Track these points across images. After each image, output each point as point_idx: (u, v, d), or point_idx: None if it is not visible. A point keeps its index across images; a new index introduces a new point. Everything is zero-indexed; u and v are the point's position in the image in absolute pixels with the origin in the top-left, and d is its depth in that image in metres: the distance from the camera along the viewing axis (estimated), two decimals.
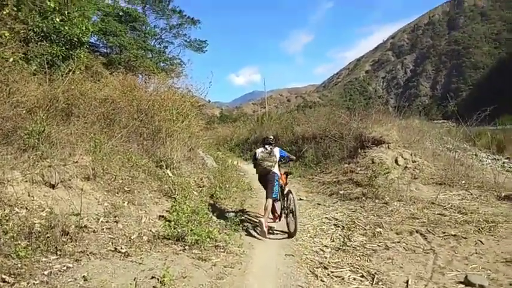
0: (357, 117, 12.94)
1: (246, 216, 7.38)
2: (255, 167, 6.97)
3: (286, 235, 6.21)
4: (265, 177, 6.65)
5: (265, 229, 6.10)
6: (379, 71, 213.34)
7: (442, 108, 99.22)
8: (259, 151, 6.85)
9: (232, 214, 7.12)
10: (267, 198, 6.42)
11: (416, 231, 5.81)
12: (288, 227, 6.33)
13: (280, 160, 6.88)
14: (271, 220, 6.89)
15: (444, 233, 5.62)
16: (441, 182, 8.75)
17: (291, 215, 6.26)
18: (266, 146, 6.87)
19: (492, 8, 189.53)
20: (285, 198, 6.58)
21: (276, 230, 6.52)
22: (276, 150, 6.82)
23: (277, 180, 6.52)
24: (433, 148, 12.03)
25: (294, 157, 7.62)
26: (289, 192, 6.46)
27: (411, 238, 5.59)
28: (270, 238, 6.09)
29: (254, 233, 6.27)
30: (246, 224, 6.80)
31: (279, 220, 6.78)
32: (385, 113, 13.75)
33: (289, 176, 7.50)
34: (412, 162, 9.85)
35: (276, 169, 6.63)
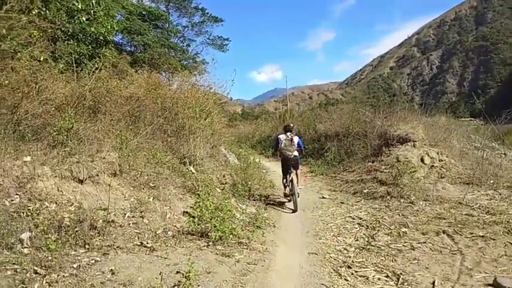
0: (381, 114, 12.70)
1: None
2: (275, 151, 8.55)
3: (291, 210, 7.84)
4: (289, 162, 8.06)
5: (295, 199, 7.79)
6: (404, 68, 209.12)
7: (470, 105, 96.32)
8: (283, 138, 8.10)
9: (254, 210, 7.16)
10: (296, 173, 8.05)
11: (443, 232, 5.69)
12: (294, 207, 7.79)
13: (298, 146, 8.15)
14: (286, 200, 8.50)
15: (472, 233, 5.48)
16: (469, 181, 8.51)
17: (294, 197, 7.78)
18: (287, 133, 8.16)
19: None
20: (290, 185, 7.92)
21: (286, 207, 8.17)
22: (296, 138, 8.11)
23: (299, 162, 8.35)
24: (460, 147, 11.70)
25: (302, 147, 8.61)
26: (292, 179, 7.83)
27: (438, 238, 5.48)
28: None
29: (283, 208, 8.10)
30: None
31: (289, 201, 8.37)
32: (411, 110, 13.46)
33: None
34: (439, 161, 9.62)
35: (296, 153, 8.13)
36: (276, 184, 10.55)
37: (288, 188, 8.18)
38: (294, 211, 7.70)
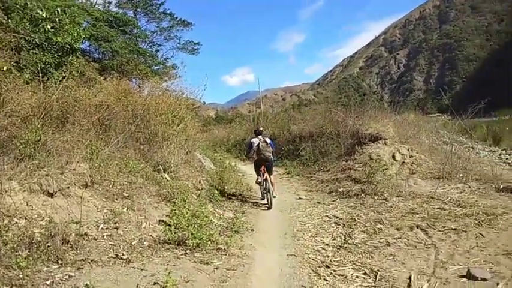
0: (352, 114, 12.94)
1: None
2: (248, 154, 9.21)
3: (266, 207, 8.34)
4: (264, 162, 8.62)
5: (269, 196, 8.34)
6: (372, 67, 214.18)
7: (437, 101, 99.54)
8: (256, 141, 8.67)
9: (231, 215, 7.14)
10: (269, 175, 8.56)
11: (417, 226, 5.84)
12: (268, 202, 8.36)
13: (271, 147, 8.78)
14: (264, 202, 8.79)
15: (444, 227, 5.66)
16: (439, 176, 8.79)
17: (268, 194, 8.35)
18: (259, 136, 8.76)
19: (482, 0, 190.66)
20: (265, 183, 8.51)
21: (261, 204, 8.66)
22: (268, 140, 8.81)
23: (272, 163, 8.99)
24: (429, 142, 12.07)
25: (274, 148, 9.18)
26: (266, 178, 8.44)
27: (412, 233, 5.62)
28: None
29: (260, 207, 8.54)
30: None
31: (263, 198, 8.98)
32: (381, 108, 13.78)
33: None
34: (410, 157, 9.89)
35: (270, 154, 8.71)
36: (252, 187, 10.56)
37: (263, 187, 8.77)
38: (269, 208, 8.24)
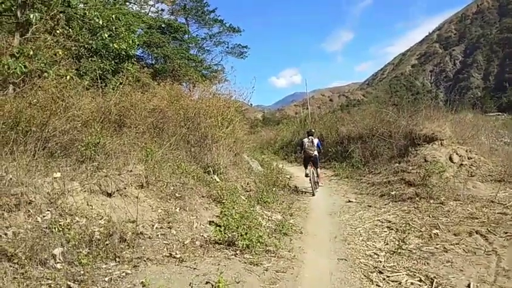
0: (405, 114, 12.45)
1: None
2: (301, 152, 10.70)
3: (311, 195, 10.01)
4: (309, 159, 10.29)
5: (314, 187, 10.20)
6: (426, 65, 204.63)
7: (496, 100, 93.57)
8: (306, 140, 10.40)
9: (280, 217, 7.13)
10: (315, 168, 10.39)
11: (476, 232, 5.52)
12: (313, 192, 10.08)
13: (317, 147, 10.34)
14: (311, 194, 10.22)
15: (506, 233, 5.31)
16: (500, 178, 8.25)
17: (313, 184, 10.12)
18: (309, 137, 10.43)
19: None
20: (311, 175, 10.12)
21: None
22: (315, 140, 10.40)
23: (318, 159, 10.55)
24: (489, 143, 11.37)
25: (321, 148, 10.90)
26: (312, 171, 10.15)
27: (471, 239, 5.31)
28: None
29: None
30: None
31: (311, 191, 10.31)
32: (436, 108, 13.14)
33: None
34: (468, 159, 9.35)
35: (316, 152, 10.30)
36: (300, 189, 10.51)
37: (309, 174, 10.23)
38: (313, 195, 10.01)
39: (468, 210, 6.68)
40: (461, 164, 9.18)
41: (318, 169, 10.69)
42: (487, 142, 11.41)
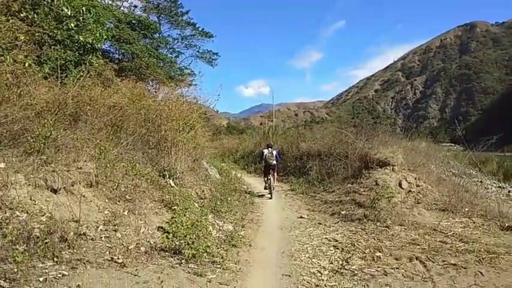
0: (363, 136, 12.87)
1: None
2: (261, 161, 12.67)
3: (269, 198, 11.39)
4: (269, 167, 11.71)
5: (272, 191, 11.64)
6: (388, 91, 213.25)
7: (450, 131, 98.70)
8: (266, 152, 11.99)
9: (231, 228, 7.13)
10: (273, 175, 11.81)
11: (416, 258, 5.72)
12: (270, 195, 11.51)
13: (276, 157, 11.92)
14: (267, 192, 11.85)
15: (444, 261, 5.54)
16: (444, 208, 8.64)
17: (270, 189, 11.57)
18: (269, 148, 12.05)
19: (505, 34, 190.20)
20: (269, 182, 11.57)
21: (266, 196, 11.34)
22: (275, 152, 12.04)
23: (276, 167, 12.04)
24: (438, 172, 11.93)
25: (279, 159, 12.70)
26: (270, 179, 11.55)
27: (410, 265, 5.52)
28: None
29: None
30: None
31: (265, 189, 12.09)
32: (392, 133, 13.67)
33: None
34: (416, 186, 9.76)
35: (275, 162, 11.89)
36: (255, 200, 10.57)
37: (267, 184, 11.79)
38: (270, 198, 11.44)
39: (411, 236, 6.94)
40: (410, 191, 9.56)
41: (276, 174, 12.12)
42: (436, 171, 11.95)
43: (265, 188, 12.10)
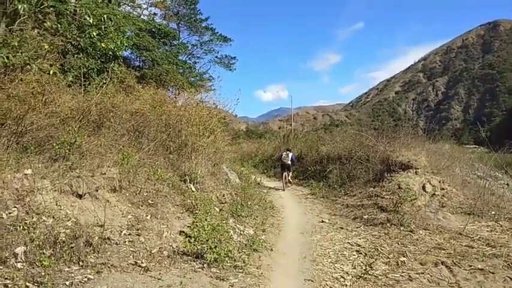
0: (384, 139, 12.67)
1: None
2: (278, 161, 15.69)
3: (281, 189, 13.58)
4: (284, 166, 14.39)
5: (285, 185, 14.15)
6: (409, 92, 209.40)
7: (474, 133, 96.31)
8: (284, 154, 14.57)
9: (252, 232, 7.11)
10: (288, 173, 14.54)
11: (442, 263, 5.60)
12: (283, 188, 13.97)
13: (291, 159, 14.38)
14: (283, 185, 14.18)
15: (471, 266, 5.41)
16: (470, 211, 8.43)
17: (284, 185, 14.16)
18: (287, 152, 14.67)
19: None
20: (284, 178, 14.25)
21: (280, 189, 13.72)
22: (290, 154, 14.51)
23: (290, 167, 14.61)
24: (462, 175, 11.63)
25: (294, 161, 14.84)
26: (285, 176, 14.30)
27: (436, 270, 5.40)
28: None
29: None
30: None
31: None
32: (414, 136, 13.39)
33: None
34: (441, 189, 9.55)
35: (289, 162, 14.31)
36: (275, 205, 10.51)
37: (283, 181, 14.30)
38: (283, 190, 13.86)
39: (436, 240, 6.80)
40: (434, 194, 9.36)
41: (290, 173, 14.86)
42: (460, 174, 11.66)
43: (283, 188, 14.26)
